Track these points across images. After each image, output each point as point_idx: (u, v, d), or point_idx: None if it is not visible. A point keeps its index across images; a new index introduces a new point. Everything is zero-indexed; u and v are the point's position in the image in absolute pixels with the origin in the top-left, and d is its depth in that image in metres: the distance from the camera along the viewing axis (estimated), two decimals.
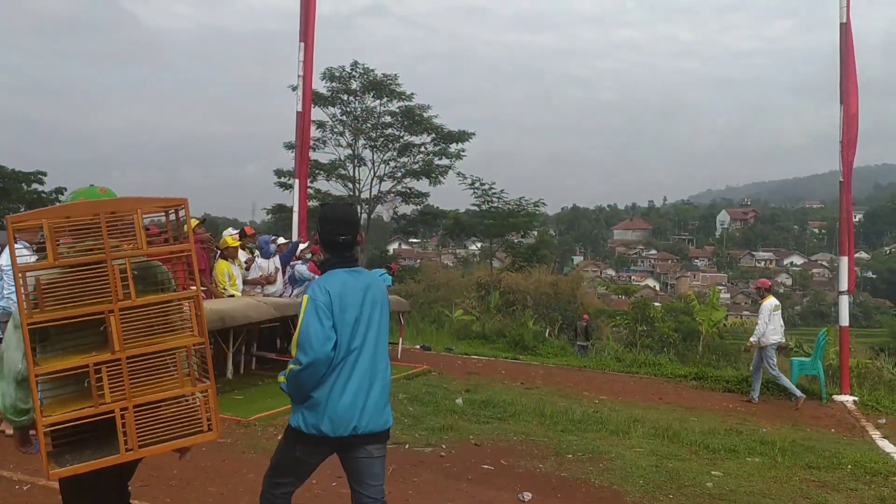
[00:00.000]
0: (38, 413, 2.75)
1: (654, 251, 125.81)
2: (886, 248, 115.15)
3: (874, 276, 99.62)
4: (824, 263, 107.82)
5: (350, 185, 31.05)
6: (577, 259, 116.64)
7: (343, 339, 3.30)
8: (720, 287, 50.98)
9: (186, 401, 3.06)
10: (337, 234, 3.43)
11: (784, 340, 11.34)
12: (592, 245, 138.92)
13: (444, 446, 6.95)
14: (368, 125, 30.67)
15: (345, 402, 3.31)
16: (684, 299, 33.88)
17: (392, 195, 31.63)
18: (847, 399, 11.31)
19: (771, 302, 11.03)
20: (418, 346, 15.06)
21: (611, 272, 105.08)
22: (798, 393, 10.86)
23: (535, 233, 37.65)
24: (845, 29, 11.49)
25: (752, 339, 11.08)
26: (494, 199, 30.00)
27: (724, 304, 41.96)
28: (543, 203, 32.36)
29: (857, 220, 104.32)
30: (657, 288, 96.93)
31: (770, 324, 10.86)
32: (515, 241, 32.80)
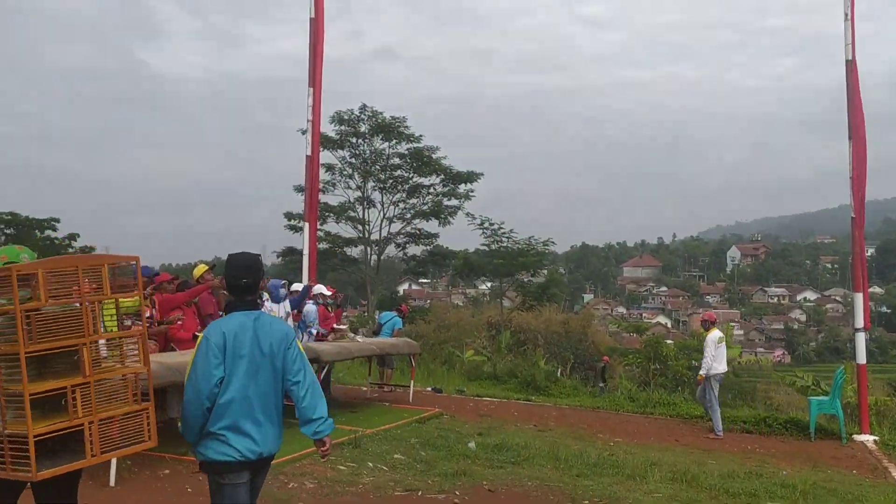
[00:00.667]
0: (30, 425, 3.28)
1: (664, 288, 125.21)
2: None
3: (888, 311, 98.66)
4: (838, 298, 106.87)
5: (359, 227, 31.14)
6: (588, 297, 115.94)
7: (238, 375, 3.61)
8: (733, 324, 50.37)
9: (132, 417, 3.78)
10: (239, 278, 3.77)
11: (728, 369, 11.74)
12: (602, 283, 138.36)
13: (457, 493, 6.82)
14: (377, 167, 30.86)
15: (246, 431, 3.62)
16: (697, 336, 33.50)
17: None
18: (867, 439, 11.10)
19: (715, 334, 11.40)
20: (429, 389, 14.93)
21: (621, 310, 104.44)
22: (720, 431, 11.07)
23: (545, 272, 37.54)
24: (851, 66, 11.53)
25: (701, 373, 11.28)
26: (503, 238, 29.98)
27: (737, 342, 41.52)
28: (552, 242, 32.34)
29: (869, 254, 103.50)
30: (669, 325, 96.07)
31: (715, 356, 11.14)
32: (525, 280, 32.71)
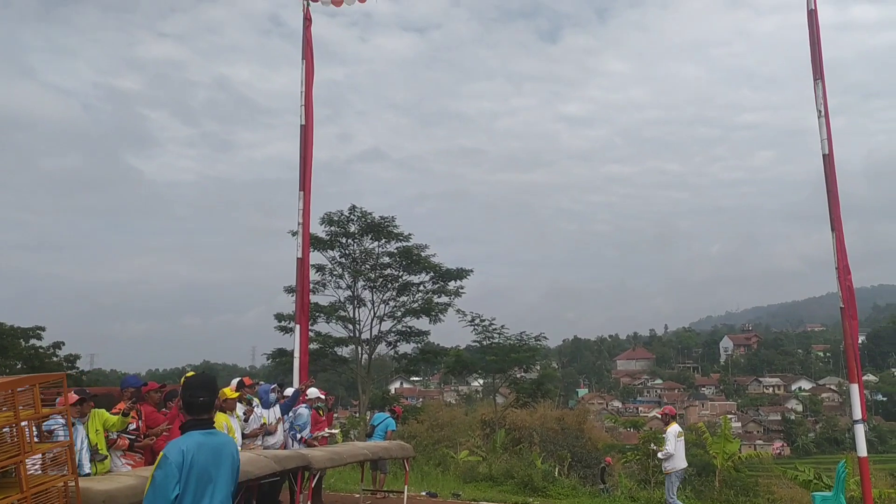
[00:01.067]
0: None
1: (659, 380, 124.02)
2: (893, 370, 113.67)
3: (885, 399, 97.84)
4: (833, 387, 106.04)
5: (350, 327, 30.99)
6: (582, 391, 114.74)
7: (192, 492, 3.83)
8: (730, 416, 49.77)
9: None
10: (196, 397, 4.03)
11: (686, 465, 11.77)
12: (596, 377, 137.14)
13: None
14: (367, 266, 30.99)
15: None
16: (696, 431, 33.03)
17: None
18: None
19: (675, 428, 11.35)
20: (424, 493, 14.50)
21: (617, 404, 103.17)
22: None
23: (538, 367, 37.28)
24: (828, 160, 11.85)
25: (660, 455, 11.59)
26: (495, 334, 29.92)
27: (736, 434, 40.90)
28: (544, 337, 32.28)
29: (860, 342, 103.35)
30: None
31: (676, 450, 11.19)
32: (518, 376, 32.42)
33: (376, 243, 31.06)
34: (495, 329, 29.85)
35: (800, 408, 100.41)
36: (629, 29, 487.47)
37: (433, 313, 30.86)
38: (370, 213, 30.72)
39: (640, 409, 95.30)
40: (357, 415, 31.34)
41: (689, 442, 31.82)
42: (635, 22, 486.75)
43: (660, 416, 12.63)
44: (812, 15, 11.98)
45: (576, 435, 28.65)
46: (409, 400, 57.23)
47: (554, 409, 32.62)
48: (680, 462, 11.16)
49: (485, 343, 30.04)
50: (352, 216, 30.65)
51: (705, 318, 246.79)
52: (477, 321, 29.72)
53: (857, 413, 11.46)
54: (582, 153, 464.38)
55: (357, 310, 31.23)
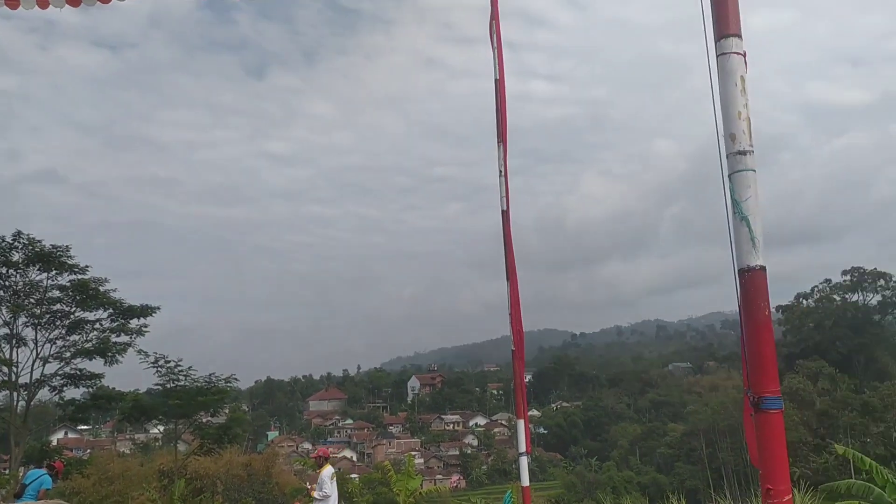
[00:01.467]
0: None
1: (350, 420, 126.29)
2: (553, 405, 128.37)
3: (545, 432, 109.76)
4: (504, 423, 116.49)
5: (5, 370, 27.00)
6: (273, 434, 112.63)
7: None
8: (414, 453, 52.17)
9: None
10: None
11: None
12: (288, 418, 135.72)
13: None
14: (31, 301, 27.43)
15: None
16: (381, 469, 34.06)
17: None
18: None
19: (329, 470, 11.94)
20: None
21: (307, 445, 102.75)
22: None
23: (227, 410, 35.86)
24: (506, 215, 13.03)
25: (316, 495, 11.47)
26: (181, 376, 28.23)
27: (418, 471, 42.89)
28: (235, 378, 31.22)
29: (527, 380, 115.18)
30: (354, 458, 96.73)
31: (331, 491, 11.56)
32: (205, 420, 30.80)
33: (45, 275, 27.68)
34: (181, 371, 28.16)
35: (476, 442, 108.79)
36: (336, 75, 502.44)
37: (110, 354, 28.21)
38: (39, 241, 27.34)
39: (330, 450, 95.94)
40: (7, 472, 27.21)
41: (376, 481, 32.83)
42: (341, 69, 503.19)
43: (314, 459, 12.71)
44: (498, 83, 13.22)
45: (263, 481, 27.90)
46: (75, 451, 51.31)
47: (241, 454, 31.46)
48: (332, 502, 11.36)
49: (168, 386, 28.16)
50: (16, 243, 27.00)
51: (396, 358, 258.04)
52: (161, 362, 27.81)
53: (522, 446, 12.46)
54: (284, 192, 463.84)
55: (16, 350, 27.38)
